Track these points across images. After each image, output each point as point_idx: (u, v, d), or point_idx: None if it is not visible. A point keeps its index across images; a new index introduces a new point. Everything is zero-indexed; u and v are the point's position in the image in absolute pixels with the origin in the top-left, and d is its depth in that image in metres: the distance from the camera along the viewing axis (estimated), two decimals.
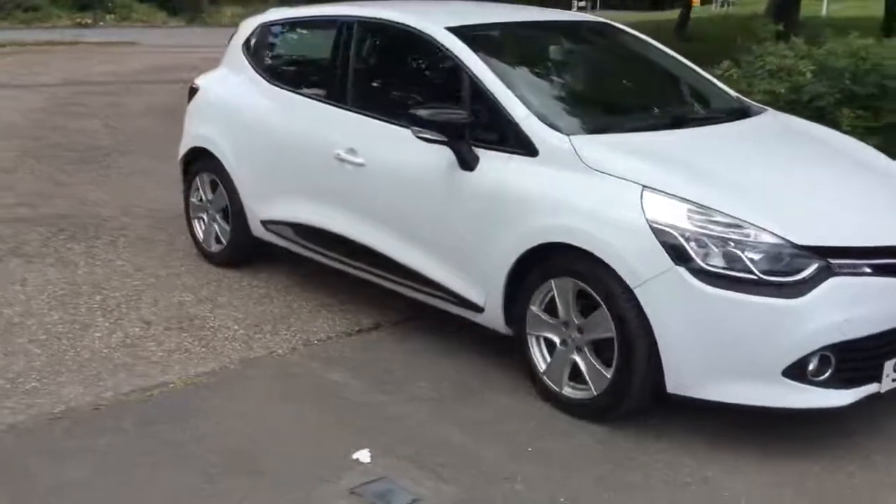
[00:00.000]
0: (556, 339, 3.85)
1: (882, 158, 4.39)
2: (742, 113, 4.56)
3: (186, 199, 5.94)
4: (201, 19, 30.95)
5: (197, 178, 5.78)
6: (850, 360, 3.44)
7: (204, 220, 5.81)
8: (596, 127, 4.04)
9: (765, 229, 3.41)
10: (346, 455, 3.49)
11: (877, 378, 3.50)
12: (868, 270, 3.46)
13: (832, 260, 3.39)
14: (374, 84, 4.93)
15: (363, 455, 3.48)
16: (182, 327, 4.78)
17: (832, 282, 3.37)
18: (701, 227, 3.44)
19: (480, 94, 4.14)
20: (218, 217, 5.67)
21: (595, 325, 3.67)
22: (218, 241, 5.71)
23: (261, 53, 5.47)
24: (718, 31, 19.81)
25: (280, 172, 5.15)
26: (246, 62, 5.49)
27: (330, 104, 4.85)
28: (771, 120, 4.62)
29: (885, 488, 3.34)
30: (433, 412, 3.86)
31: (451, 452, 3.52)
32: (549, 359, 3.90)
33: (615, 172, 3.68)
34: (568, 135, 3.88)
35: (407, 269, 4.42)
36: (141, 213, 6.89)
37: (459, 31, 4.43)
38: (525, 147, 3.93)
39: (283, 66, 5.50)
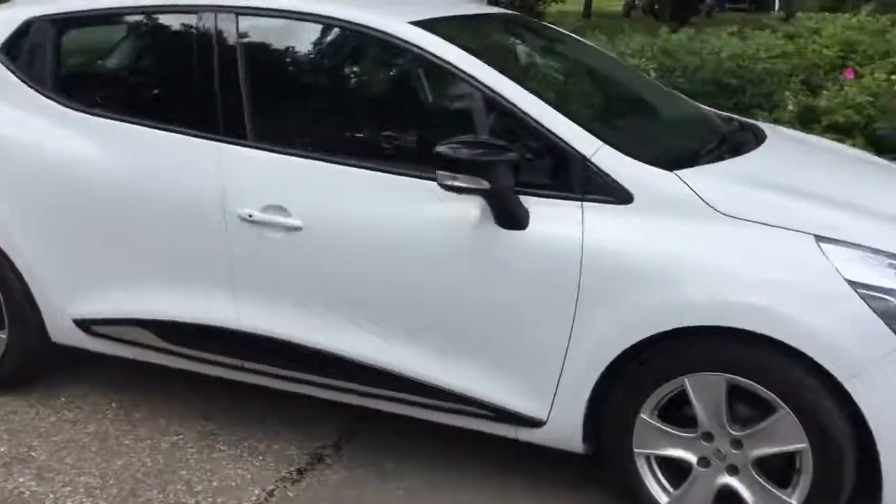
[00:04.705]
0: (692, 459, 2.74)
1: None
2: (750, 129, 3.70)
3: None
4: None
5: None
6: None
7: None
8: (686, 156, 2.95)
9: None
10: None
11: None
12: None
13: None
14: (301, 110, 3.25)
15: None
16: None
17: None
18: None
19: (510, 119, 2.86)
20: None
21: (769, 435, 2.62)
22: None
23: (45, 65, 3.49)
24: None
25: (120, 246, 3.36)
26: (14, 79, 3.52)
27: (213, 139, 3.19)
28: (793, 135, 3.89)
29: None
30: None
31: None
32: (673, 487, 2.79)
33: (762, 219, 2.65)
34: (671, 169, 2.76)
35: (398, 378, 3.00)
36: None
37: (432, 28, 3.07)
38: (606, 191, 2.74)
39: (102, 84, 3.59)
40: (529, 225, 2.76)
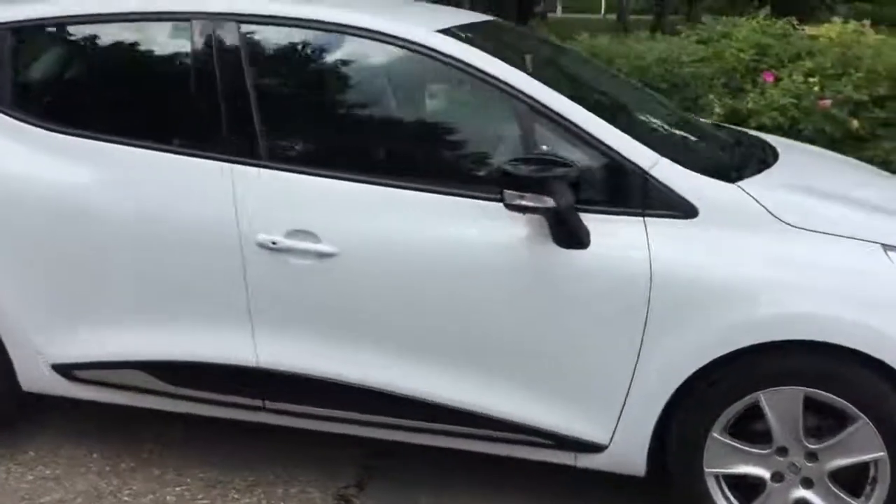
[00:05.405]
0: (765, 474, 2.69)
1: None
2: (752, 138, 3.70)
3: None
4: None
5: None
6: None
7: None
8: (733, 168, 2.91)
9: None
10: None
11: None
12: None
13: None
14: (319, 126, 2.96)
15: None
16: None
17: None
18: None
19: (561, 133, 2.73)
20: None
21: (846, 445, 2.61)
22: None
23: (14, 81, 3.10)
24: None
25: (110, 280, 3.02)
26: None
27: (222, 160, 2.90)
28: (795, 145, 3.93)
29: None
30: None
31: None
32: None
33: (829, 229, 2.64)
34: (732, 181, 2.72)
35: (449, 409, 2.82)
36: None
37: (458, 37, 2.91)
38: (668, 205, 2.66)
39: (83, 101, 3.14)
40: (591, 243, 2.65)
